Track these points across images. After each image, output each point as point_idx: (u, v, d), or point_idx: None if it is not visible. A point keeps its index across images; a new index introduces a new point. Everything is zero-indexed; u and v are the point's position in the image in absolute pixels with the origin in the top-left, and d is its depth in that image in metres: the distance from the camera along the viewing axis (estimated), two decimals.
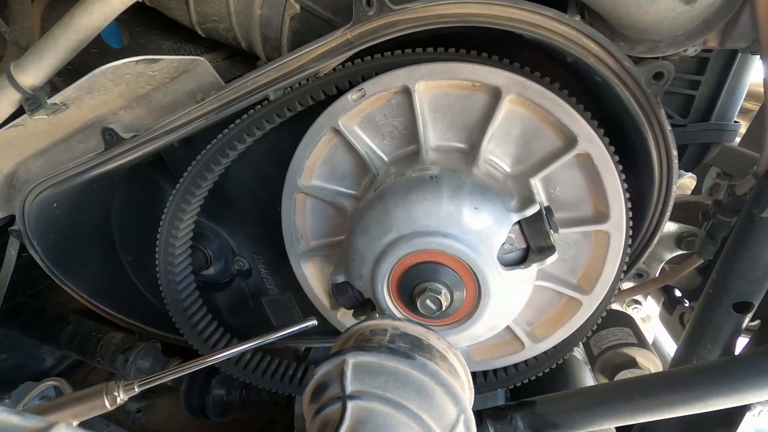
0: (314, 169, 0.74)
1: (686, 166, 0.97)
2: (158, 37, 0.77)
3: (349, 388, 0.44)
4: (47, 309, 1.27)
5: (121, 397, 0.66)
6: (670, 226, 1.05)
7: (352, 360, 0.46)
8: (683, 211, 1.00)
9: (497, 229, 0.58)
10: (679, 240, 1.01)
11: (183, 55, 0.79)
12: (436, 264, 0.57)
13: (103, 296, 1.08)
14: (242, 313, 1.12)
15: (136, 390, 0.68)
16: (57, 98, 0.57)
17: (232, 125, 0.71)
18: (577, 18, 0.55)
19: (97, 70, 0.55)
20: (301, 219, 0.78)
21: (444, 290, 0.57)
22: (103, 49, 0.77)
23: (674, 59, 0.62)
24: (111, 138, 0.69)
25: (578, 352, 1.06)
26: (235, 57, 0.80)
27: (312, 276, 0.83)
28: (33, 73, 0.54)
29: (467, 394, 0.51)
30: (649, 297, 1.17)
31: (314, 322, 0.70)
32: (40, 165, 0.80)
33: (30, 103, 0.56)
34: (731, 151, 1.02)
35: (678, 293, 1.14)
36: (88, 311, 1.11)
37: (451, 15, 0.53)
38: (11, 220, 0.96)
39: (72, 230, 0.97)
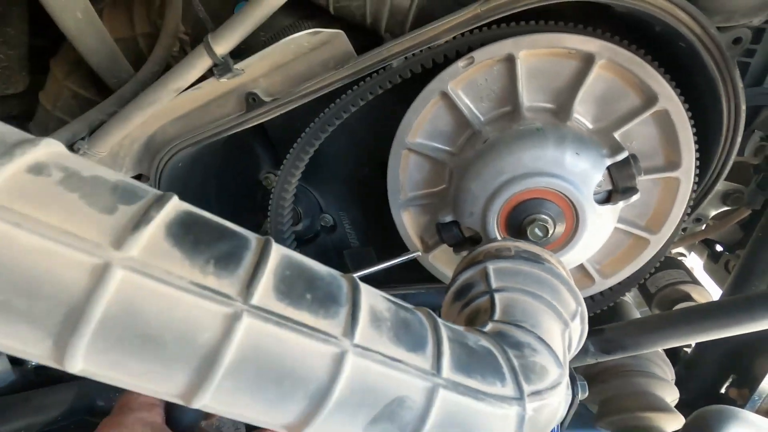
0: (420, 128, 0.86)
1: None
2: (281, 15, 0.89)
3: (495, 284, 0.57)
4: None
5: None
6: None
7: (492, 266, 0.60)
8: (735, 171, 1.10)
9: (594, 172, 0.71)
10: (725, 197, 1.12)
11: (292, 25, 0.90)
12: (543, 200, 0.70)
13: None
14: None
15: None
16: (241, 64, 0.70)
17: (348, 92, 0.83)
18: None
19: (281, 42, 0.67)
20: (403, 173, 0.91)
21: (550, 220, 0.70)
22: None
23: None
24: (253, 101, 0.82)
25: (629, 297, 1.19)
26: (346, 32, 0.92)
27: (408, 223, 0.96)
28: (224, 43, 0.66)
29: None
30: (692, 253, 1.29)
31: (419, 252, 0.83)
32: (177, 128, 0.93)
33: (220, 69, 0.69)
34: None
35: (719, 248, 1.25)
36: None
37: None
38: None
39: (188, 189, 1.11)
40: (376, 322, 0.36)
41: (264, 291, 0.32)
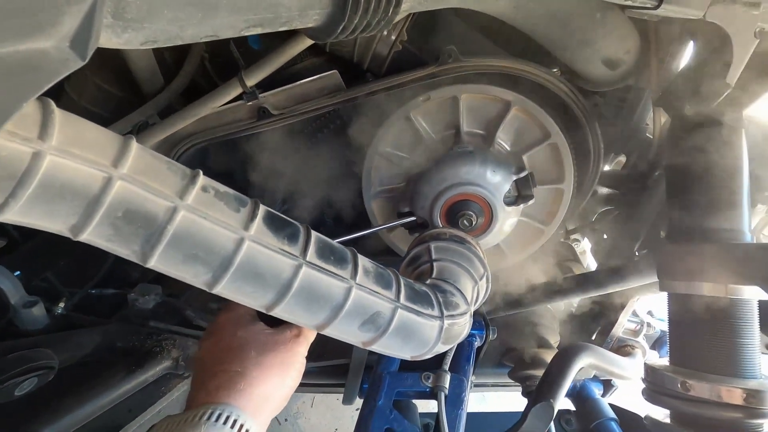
0: (388, 140, 1.16)
1: (620, 150, 1.46)
2: (281, 44, 1.13)
3: (434, 256, 0.90)
4: None
5: None
6: (604, 190, 1.56)
7: (433, 244, 0.92)
8: (613, 180, 1.50)
9: (504, 184, 1.04)
10: (609, 199, 1.52)
11: (296, 56, 1.16)
12: (470, 201, 1.03)
13: None
14: None
15: None
16: (266, 94, 0.95)
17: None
18: (556, 69, 0.99)
19: (304, 81, 0.93)
20: (375, 172, 1.21)
21: (474, 215, 1.03)
22: (247, 49, 1.12)
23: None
24: (264, 113, 1.07)
25: None
26: (332, 62, 1.18)
27: (377, 211, 1.26)
28: (254, 78, 0.91)
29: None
30: (585, 238, 1.70)
31: (414, 218, 1.13)
32: (194, 126, 1.17)
33: (249, 96, 0.94)
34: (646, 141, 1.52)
35: (606, 236, 1.67)
36: None
37: (494, 65, 0.96)
38: None
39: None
40: (366, 273, 0.67)
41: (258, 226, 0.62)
